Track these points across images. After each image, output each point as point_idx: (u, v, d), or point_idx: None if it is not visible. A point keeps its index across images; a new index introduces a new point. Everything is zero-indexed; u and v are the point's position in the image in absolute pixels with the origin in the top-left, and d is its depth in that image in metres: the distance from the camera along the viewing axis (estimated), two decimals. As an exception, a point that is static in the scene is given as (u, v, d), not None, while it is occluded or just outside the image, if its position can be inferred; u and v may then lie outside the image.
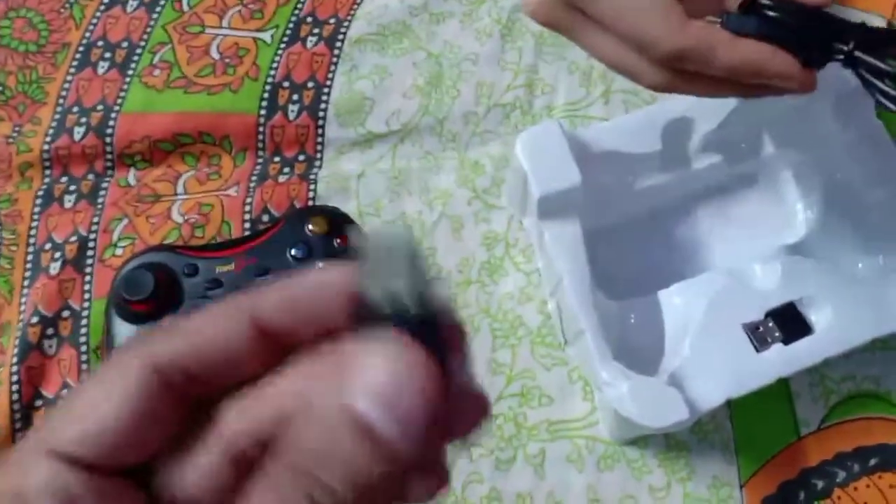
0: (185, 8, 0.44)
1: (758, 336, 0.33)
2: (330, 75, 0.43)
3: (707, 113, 0.38)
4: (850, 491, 0.36)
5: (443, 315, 0.15)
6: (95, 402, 0.14)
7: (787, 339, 0.33)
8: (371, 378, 0.14)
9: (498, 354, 0.38)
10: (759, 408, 0.37)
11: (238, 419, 0.15)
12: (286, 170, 0.41)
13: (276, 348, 0.16)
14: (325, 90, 0.42)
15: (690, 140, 0.38)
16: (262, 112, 0.42)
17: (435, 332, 0.14)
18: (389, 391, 0.14)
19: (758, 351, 0.33)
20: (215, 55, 0.43)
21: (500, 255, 0.40)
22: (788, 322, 0.34)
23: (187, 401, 0.15)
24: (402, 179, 0.41)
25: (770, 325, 0.34)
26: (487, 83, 0.43)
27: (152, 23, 0.44)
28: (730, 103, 0.38)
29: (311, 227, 0.36)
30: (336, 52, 0.43)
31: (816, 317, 0.34)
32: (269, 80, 0.42)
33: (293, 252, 0.35)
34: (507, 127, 0.42)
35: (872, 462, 0.36)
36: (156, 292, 0.34)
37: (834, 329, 0.33)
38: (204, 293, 0.35)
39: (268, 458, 0.14)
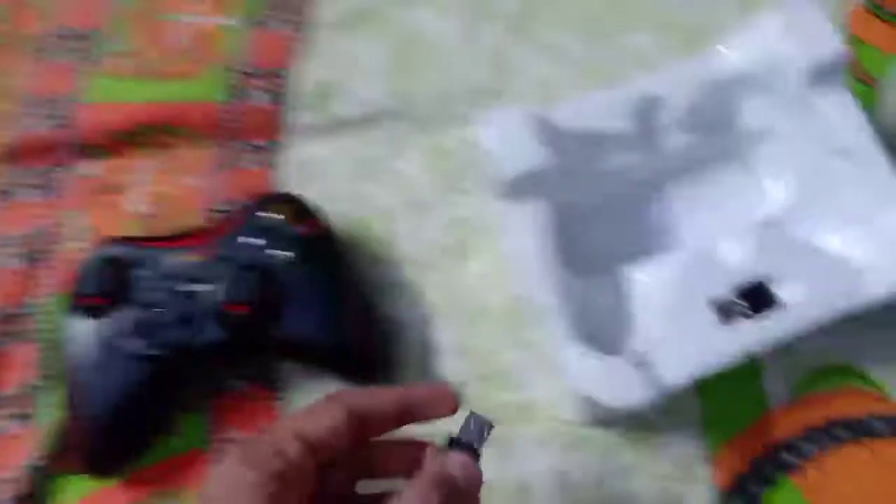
0: (146, -5, 0.44)
1: (725, 312, 0.33)
2: (295, 60, 0.42)
3: (679, 89, 0.37)
4: (820, 465, 0.36)
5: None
6: (321, 418, 0.25)
7: (755, 315, 0.33)
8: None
9: (465, 339, 0.38)
10: (726, 383, 0.37)
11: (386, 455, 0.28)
12: (249, 157, 0.41)
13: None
14: (290, 75, 0.42)
15: (662, 117, 0.38)
16: (225, 99, 0.41)
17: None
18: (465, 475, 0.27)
19: (725, 327, 0.33)
20: (179, 42, 0.42)
21: (466, 238, 0.39)
22: (757, 298, 0.33)
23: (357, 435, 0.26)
24: (367, 165, 0.41)
25: (738, 301, 0.33)
26: (456, 65, 0.42)
27: (115, 10, 0.43)
28: (699, 80, 0.37)
29: (271, 214, 0.35)
30: (303, 36, 0.42)
31: (785, 292, 0.34)
32: (233, 66, 0.42)
33: (250, 240, 0.35)
34: (476, 109, 0.41)
35: (842, 435, 0.36)
36: (109, 286, 0.33)
37: (803, 304, 0.33)
38: (160, 285, 0.34)
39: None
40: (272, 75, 0.42)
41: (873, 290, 0.33)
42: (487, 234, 0.40)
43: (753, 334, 0.33)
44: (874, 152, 0.35)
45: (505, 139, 0.34)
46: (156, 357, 0.33)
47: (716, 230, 0.38)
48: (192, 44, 0.42)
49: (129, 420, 0.34)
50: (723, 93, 0.38)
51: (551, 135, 0.36)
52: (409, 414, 0.27)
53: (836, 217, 0.37)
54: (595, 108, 0.37)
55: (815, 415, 0.37)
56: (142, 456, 0.35)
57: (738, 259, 0.34)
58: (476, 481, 0.26)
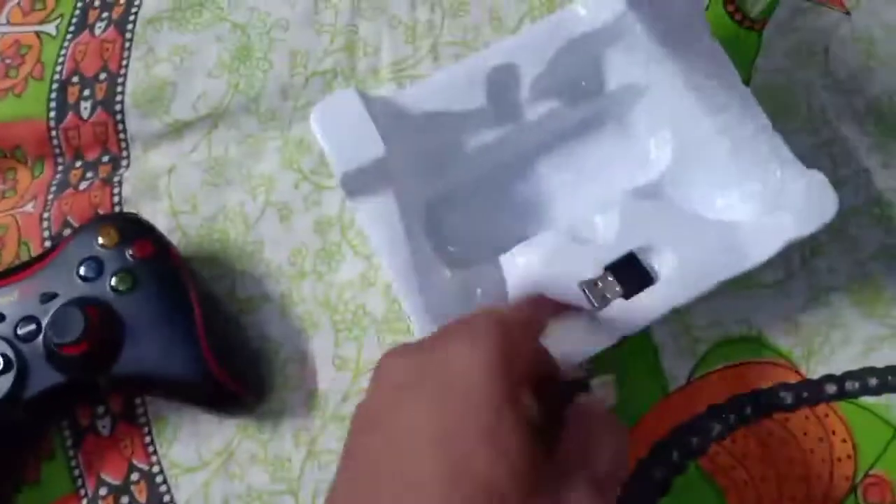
0: (-43, 7, 0.39)
1: (596, 294, 0.30)
2: (124, 63, 0.38)
3: (533, 55, 0.34)
4: (728, 444, 0.33)
5: None
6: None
7: (628, 293, 0.30)
8: None
9: (342, 349, 0.35)
10: (622, 367, 0.34)
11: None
12: (89, 175, 0.37)
13: None
14: (120, 80, 0.38)
15: (520, 88, 0.34)
16: (52, 114, 0.37)
17: None
18: None
19: (597, 310, 0.30)
20: (-7, 57, 0.38)
21: (336, 240, 0.36)
22: (628, 274, 0.31)
23: None
24: (219, 169, 0.37)
25: (609, 279, 0.31)
26: (302, 51, 0.38)
27: (-80, 28, 0.39)
28: (556, 41, 0.34)
29: (100, 239, 0.32)
30: (128, 35, 0.38)
31: (659, 265, 0.31)
32: (56, 77, 0.38)
33: (82, 271, 0.31)
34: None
35: (748, 410, 0.34)
36: (-75, 338, 0.30)
37: (678, 276, 0.31)
38: (-16, 330, 0.31)
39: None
40: (100, 82, 0.38)
41: (754, 255, 0.31)
42: (357, 233, 0.36)
43: (627, 315, 0.30)
44: (750, 107, 0.32)
45: (340, 129, 0.31)
46: (-12, 410, 0.30)
47: (595, 203, 0.35)
48: (10, 57, 0.38)
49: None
50: (583, 53, 0.34)
51: (398, 120, 0.32)
52: None
53: (715, 179, 0.34)
54: (446, 86, 0.33)
55: (720, 391, 0.34)
56: (2, 510, 0.33)
57: (608, 234, 0.31)
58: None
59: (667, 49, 0.33)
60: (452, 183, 0.36)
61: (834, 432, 0.34)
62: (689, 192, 0.34)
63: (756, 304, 0.35)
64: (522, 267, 0.32)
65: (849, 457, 0.33)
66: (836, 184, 0.36)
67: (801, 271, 0.35)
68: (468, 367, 0.22)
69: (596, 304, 0.30)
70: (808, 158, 0.37)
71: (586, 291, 0.30)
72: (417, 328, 0.30)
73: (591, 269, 0.31)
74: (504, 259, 0.33)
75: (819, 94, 0.38)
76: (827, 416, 0.34)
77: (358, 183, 0.31)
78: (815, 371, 0.34)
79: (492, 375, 0.22)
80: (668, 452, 0.34)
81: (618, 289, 0.30)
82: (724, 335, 0.35)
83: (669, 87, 0.34)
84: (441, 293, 0.32)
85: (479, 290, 0.33)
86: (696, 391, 0.34)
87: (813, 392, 0.34)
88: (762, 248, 0.31)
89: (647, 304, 0.30)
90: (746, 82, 0.38)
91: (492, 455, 0.21)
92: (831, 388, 0.34)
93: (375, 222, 0.31)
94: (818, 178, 0.32)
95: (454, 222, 0.36)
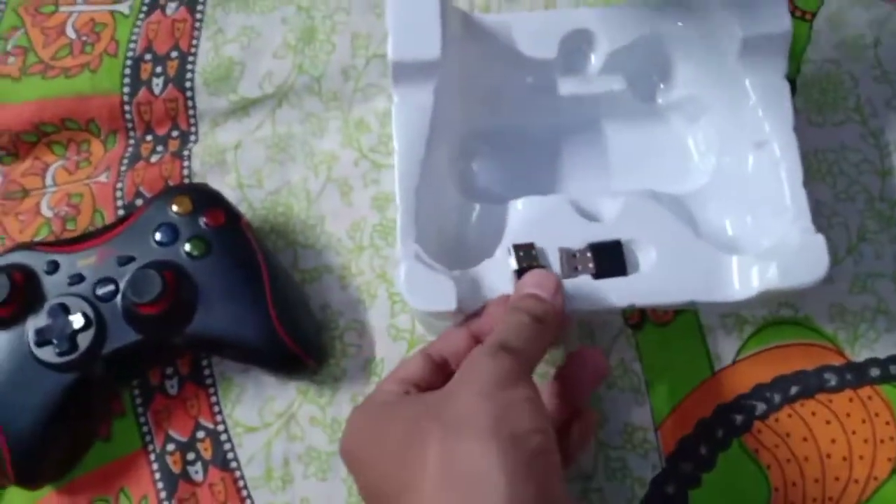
0: (36, -14, 0.41)
1: (569, 263, 0.32)
2: (194, 42, 0.40)
3: (616, 32, 0.35)
4: (772, 423, 0.34)
5: None
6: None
7: (598, 275, 0.31)
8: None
9: (397, 320, 0.36)
10: (668, 346, 0.35)
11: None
12: (159, 148, 0.39)
13: None
14: (191, 58, 0.39)
15: (593, 57, 0.36)
16: (126, 90, 0.39)
17: None
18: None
19: (561, 278, 0.31)
20: (71, 34, 0.40)
21: (393, 216, 0.37)
22: (606, 258, 0.32)
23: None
24: (283, 146, 0.38)
25: (587, 255, 0.32)
26: (364, 33, 0.40)
27: (2, 6, 0.41)
28: (643, 28, 0.35)
29: (174, 207, 0.33)
30: (199, 15, 0.40)
31: (640, 262, 0.32)
32: (130, 54, 0.39)
33: (157, 237, 0.33)
34: (389, 79, 0.39)
35: (793, 391, 0.35)
36: (13, 295, 0.32)
37: (649, 279, 0.32)
38: (66, 290, 0.32)
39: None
40: (172, 60, 0.39)
41: (729, 291, 0.31)
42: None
43: (587, 292, 0.31)
44: (790, 150, 0.32)
45: (409, 19, 0.33)
46: (69, 364, 0.32)
47: (612, 187, 0.36)
48: (86, 34, 0.40)
49: (49, 430, 0.32)
50: (663, 50, 0.36)
51: (471, 37, 0.34)
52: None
53: (735, 208, 0.35)
54: (522, 28, 0.35)
55: (764, 372, 0.35)
56: (73, 464, 0.34)
57: (610, 219, 0.33)
58: (554, 288, 0.29)
59: (742, 77, 0.33)
60: (497, 122, 0.37)
61: (877, 414, 0.34)
62: (708, 208, 0.35)
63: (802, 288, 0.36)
64: (520, 215, 0.33)
65: (892, 438, 0.34)
66: (883, 173, 0.37)
67: (847, 257, 0.36)
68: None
69: (563, 272, 0.32)
70: (856, 149, 0.38)
71: (562, 258, 0.32)
72: (400, 220, 0.32)
73: (577, 241, 0.32)
74: (511, 204, 0.34)
75: (868, 86, 0.38)
76: (870, 398, 0.35)
77: (405, 74, 0.33)
78: (860, 354, 0.35)
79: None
80: (713, 430, 0.35)
81: (591, 265, 0.32)
82: (771, 317, 0.35)
83: (728, 112, 0.35)
84: (438, 211, 0.34)
85: (473, 217, 0.35)
86: (741, 371, 0.35)
87: (857, 374, 0.35)
88: (739, 287, 0.32)
89: (608, 291, 0.31)
90: (796, 72, 0.39)
91: None
92: (875, 371, 0.35)
93: (404, 115, 0.33)
94: (816, 239, 0.31)
95: (485, 159, 0.38)
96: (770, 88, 0.33)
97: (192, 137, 0.39)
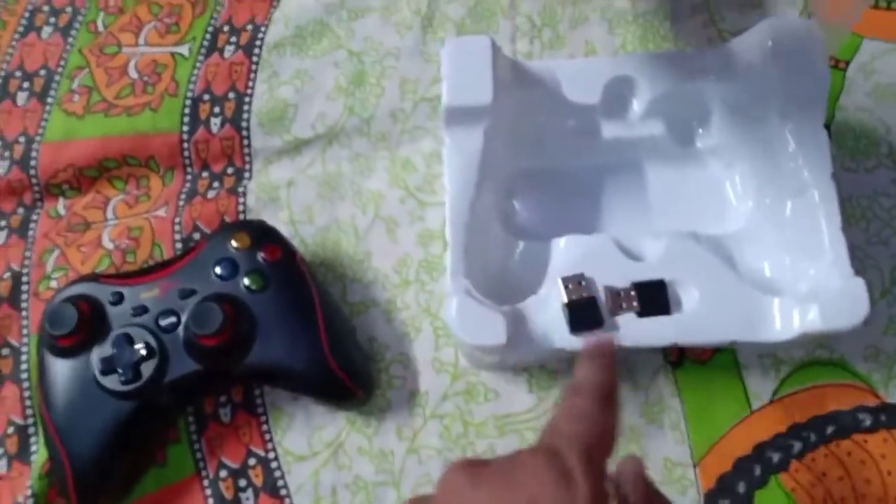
0: (101, 28, 0.43)
1: (614, 301, 0.33)
2: (250, 84, 0.42)
3: (657, 80, 0.37)
4: (808, 462, 0.35)
5: None
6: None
7: (643, 313, 0.33)
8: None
9: (441, 353, 0.37)
10: (707, 384, 0.36)
11: None
12: (215, 184, 0.41)
13: None
14: (247, 99, 0.41)
15: (635, 103, 0.37)
16: (185, 128, 0.41)
17: None
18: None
19: (607, 315, 0.32)
20: (133, 74, 0.42)
21: (438, 252, 0.39)
22: (650, 297, 0.33)
23: None
24: (333, 184, 0.40)
25: (632, 293, 0.33)
26: (412, 78, 0.42)
27: (69, 47, 0.43)
28: (682, 76, 0.37)
29: (234, 243, 0.35)
30: (255, 59, 0.42)
31: (683, 301, 0.33)
32: (189, 94, 0.41)
33: (217, 271, 0.35)
34: (435, 121, 0.41)
35: (829, 430, 0.36)
36: (80, 325, 0.33)
37: (692, 319, 0.33)
38: (130, 321, 0.34)
39: None
40: (229, 101, 0.41)
41: (770, 332, 0.32)
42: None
43: (632, 330, 0.33)
44: (829, 199, 0.34)
45: (462, 67, 0.35)
46: (132, 393, 0.33)
47: (653, 228, 0.37)
48: (147, 74, 0.42)
49: (111, 455, 0.34)
50: (703, 99, 0.37)
51: (519, 83, 0.36)
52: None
53: (773, 251, 0.36)
54: (567, 74, 0.37)
55: (801, 411, 0.36)
56: (131, 488, 0.36)
57: (654, 259, 0.34)
58: (608, 350, 0.27)
59: (782, 126, 0.35)
60: (541, 162, 0.39)
61: (912, 456, 0.35)
62: (745, 250, 0.36)
63: (838, 330, 0.37)
64: (563, 253, 0.35)
65: (927, 479, 0.35)
66: (917, 219, 0.38)
67: (881, 300, 0.37)
68: None
69: (608, 309, 0.33)
70: (888, 194, 0.39)
71: (608, 295, 0.33)
72: (450, 257, 0.33)
73: (620, 280, 0.33)
74: (554, 242, 0.36)
75: (900, 133, 0.40)
76: (905, 439, 0.35)
77: (458, 118, 0.35)
78: (894, 395, 0.36)
79: None
80: (751, 468, 0.35)
81: (635, 303, 0.33)
82: (807, 358, 0.36)
83: (766, 159, 0.36)
84: (484, 248, 0.35)
85: (517, 255, 0.37)
86: (778, 410, 0.36)
87: (891, 415, 0.36)
88: (780, 329, 0.33)
89: (652, 329, 0.33)
90: (831, 119, 0.40)
91: None
92: (909, 413, 0.36)
93: (456, 155, 0.35)
94: (857, 283, 0.32)
95: (528, 198, 0.39)
96: (809, 137, 0.34)
97: (247, 174, 0.41)
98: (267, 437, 0.36)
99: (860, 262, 0.38)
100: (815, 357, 0.36)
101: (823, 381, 0.36)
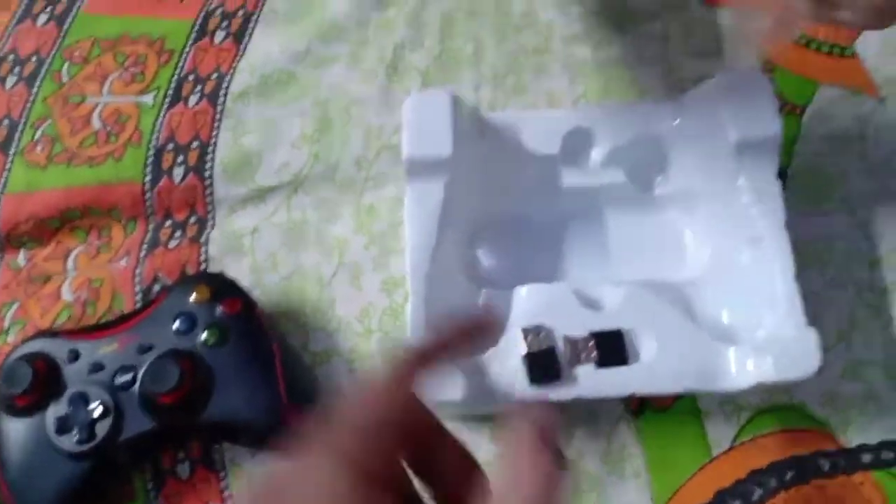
0: (65, 78, 0.44)
1: (573, 351, 0.33)
2: (214, 133, 0.42)
3: (615, 130, 0.37)
4: (769, 508, 0.35)
5: None
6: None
7: (601, 363, 0.33)
8: None
9: (405, 403, 0.37)
10: (668, 431, 0.36)
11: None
12: (177, 234, 0.41)
13: None
14: (210, 148, 0.41)
15: (593, 153, 0.38)
16: (148, 178, 0.41)
17: None
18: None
19: (565, 365, 0.33)
20: (97, 124, 0.42)
21: (401, 301, 0.39)
22: (608, 347, 0.33)
23: None
24: (297, 231, 0.40)
25: (590, 344, 0.33)
26: (376, 126, 0.42)
27: (32, 97, 0.43)
28: (639, 127, 0.37)
29: (193, 296, 0.35)
30: (219, 108, 0.42)
31: (641, 351, 0.33)
32: (153, 144, 0.41)
33: (176, 325, 0.35)
34: (399, 169, 0.40)
35: (788, 476, 0.36)
36: (35, 384, 0.33)
37: (649, 369, 0.33)
38: (86, 378, 0.34)
39: None
40: (192, 150, 0.41)
41: (725, 381, 0.33)
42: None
43: (591, 381, 0.33)
44: (782, 249, 0.34)
45: (422, 119, 0.35)
46: (87, 453, 0.33)
47: (612, 275, 0.38)
48: (111, 124, 0.42)
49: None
50: (660, 148, 0.38)
51: (479, 133, 0.36)
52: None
53: (728, 300, 0.36)
54: (527, 125, 0.37)
55: (760, 457, 0.36)
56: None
57: (612, 308, 0.34)
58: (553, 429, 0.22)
59: (735, 175, 0.35)
60: (503, 211, 0.39)
61: (869, 501, 0.35)
62: (704, 297, 0.37)
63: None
64: (524, 302, 0.35)
65: (885, 525, 0.35)
66: (873, 263, 0.38)
67: (838, 344, 0.37)
68: None
69: (567, 360, 0.33)
70: (844, 238, 0.39)
71: (567, 345, 0.33)
72: (411, 310, 0.33)
73: (579, 329, 0.33)
74: (516, 291, 0.36)
75: (855, 178, 0.40)
76: (862, 483, 0.36)
77: (418, 169, 0.35)
78: (852, 440, 0.36)
79: None
80: (712, 515, 0.36)
81: (594, 355, 0.33)
82: (767, 403, 0.37)
83: (723, 207, 0.37)
84: (446, 297, 0.35)
85: (480, 300, 0.36)
86: (738, 456, 0.36)
87: (849, 460, 0.36)
88: (736, 378, 0.33)
89: (611, 381, 0.33)
90: (787, 165, 0.41)
91: None
92: (867, 457, 0.36)
93: (416, 207, 0.35)
94: (810, 334, 0.33)
95: (491, 247, 0.39)
96: (762, 187, 0.35)
97: (210, 223, 0.41)
98: (226, 493, 0.36)
99: (817, 306, 0.38)
100: (774, 402, 0.37)
101: (783, 427, 0.36)
